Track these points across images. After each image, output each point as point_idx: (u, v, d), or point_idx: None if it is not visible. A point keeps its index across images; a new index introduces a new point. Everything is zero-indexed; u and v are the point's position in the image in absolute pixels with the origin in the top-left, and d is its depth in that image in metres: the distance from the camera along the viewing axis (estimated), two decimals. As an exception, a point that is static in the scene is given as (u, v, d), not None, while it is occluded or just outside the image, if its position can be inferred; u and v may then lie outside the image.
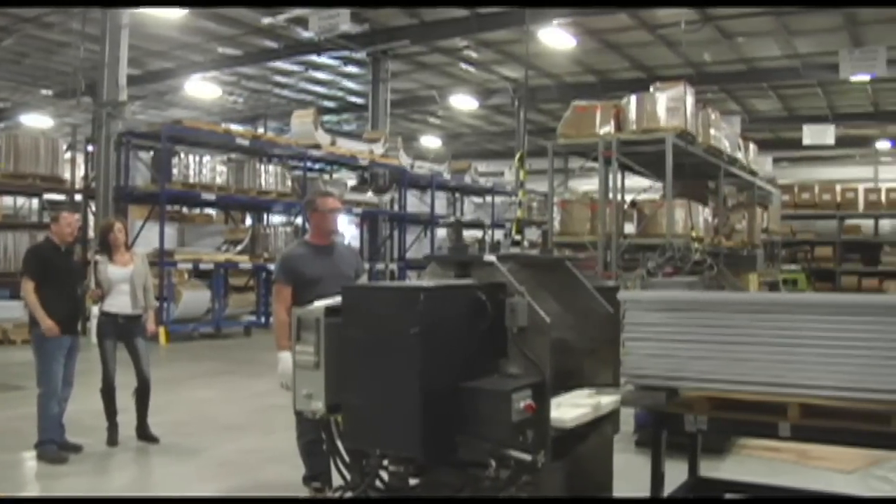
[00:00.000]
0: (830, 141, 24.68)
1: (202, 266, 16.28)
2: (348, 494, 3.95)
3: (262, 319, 17.72)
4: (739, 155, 15.85)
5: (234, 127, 20.79)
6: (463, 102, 25.48)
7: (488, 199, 26.87)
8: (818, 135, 24.64)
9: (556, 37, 18.03)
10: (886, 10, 17.29)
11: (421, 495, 3.82)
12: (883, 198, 25.65)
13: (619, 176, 13.14)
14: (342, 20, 16.41)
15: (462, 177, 24.93)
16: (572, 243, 13.12)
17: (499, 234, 23.24)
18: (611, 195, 12.73)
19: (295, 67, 23.74)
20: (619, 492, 4.75)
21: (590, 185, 15.65)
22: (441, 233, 23.58)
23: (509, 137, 29.52)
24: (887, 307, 3.70)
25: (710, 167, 14.19)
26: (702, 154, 13.17)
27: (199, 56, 22.25)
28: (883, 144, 30.51)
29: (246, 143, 17.53)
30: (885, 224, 26.32)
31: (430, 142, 32.94)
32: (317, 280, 5.39)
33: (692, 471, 5.22)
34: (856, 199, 26.09)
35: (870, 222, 26.55)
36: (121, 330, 7.48)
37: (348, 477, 3.95)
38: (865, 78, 19.81)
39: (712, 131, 13.59)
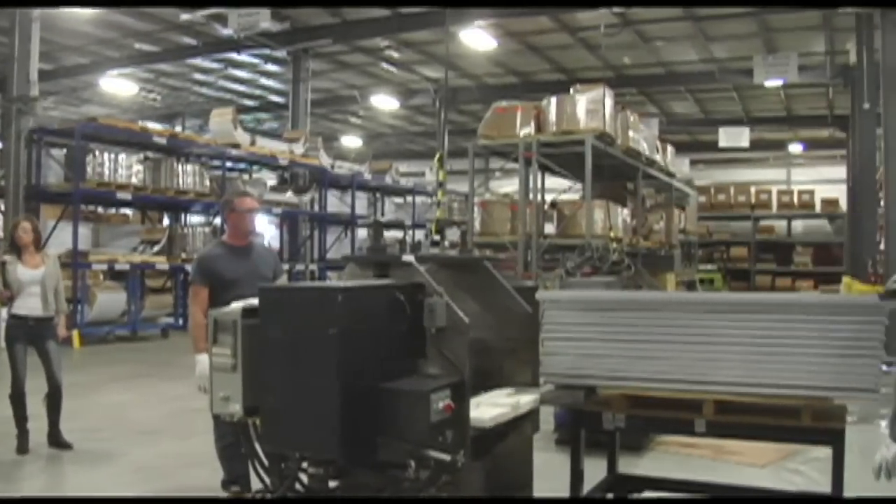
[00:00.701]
0: (745, 144, 25.29)
1: (118, 267, 15.92)
2: (268, 497, 3.91)
3: (180, 321, 17.42)
4: (657, 157, 16.12)
5: (152, 125, 20.42)
6: (384, 102, 25.43)
7: (409, 199, 26.85)
8: (733, 137, 25.22)
9: (477, 38, 18.12)
10: (798, 18, 17.85)
11: (341, 497, 3.79)
12: (795, 199, 26.40)
13: (539, 177, 13.24)
14: (262, 18, 16.24)
15: (383, 177, 24.87)
16: (493, 244, 13.18)
17: (420, 235, 23.25)
18: (531, 196, 12.83)
19: (214, 65, 23.37)
20: (539, 490, 4.78)
21: (510, 185, 15.76)
22: (362, 233, 23.50)
23: (430, 138, 29.56)
24: (793, 305, 3.80)
25: (629, 168, 14.40)
26: (621, 155, 13.36)
27: (114, 52, 21.71)
28: (795, 147, 31.42)
29: (163, 141, 17.21)
30: (798, 225, 27.07)
31: (351, 142, 32.78)
32: (234, 281, 5.32)
33: (611, 468, 5.29)
34: (769, 201, 26.79)
35: (783, 223, 27.30)
36: (31, 333, 7.27)
37: (267, 480, 3.91)
38: (778, 83, 20.37)
39: (631, 133, 13.79)
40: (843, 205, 24.35)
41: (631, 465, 6.25)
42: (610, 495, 5.16)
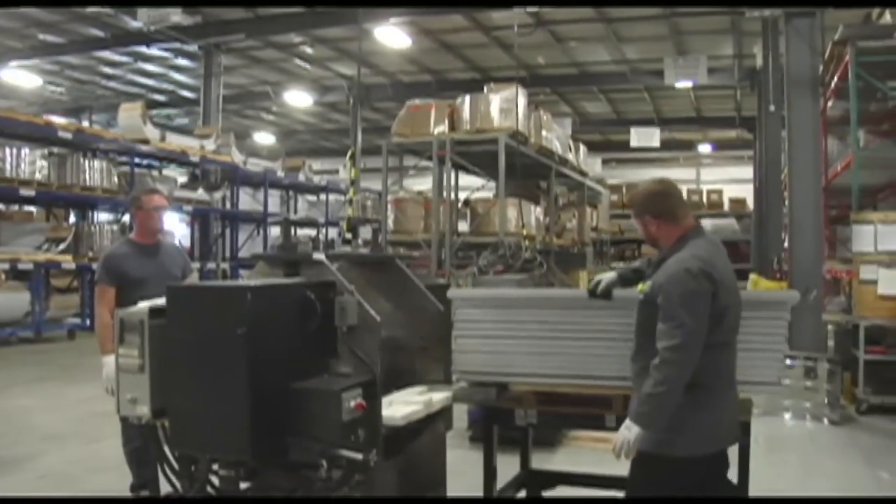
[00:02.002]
0: (656, 144, 25.79)
1: (20, 266, 15.38)
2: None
3: (87, 322, 16.93)
4: (570, 156, 16.34)
5: (57, 119, 19.79)
6: (298, 99, 25.21)
7: (323, 197, 26.66)
8: (645, 137, 25.68)
9: (391, 35, 18.10)
10: (707, 22, 18.31)
11: (252, 498, 3.75)
12: (704, 199, 27.05)
13: (452, 175, 13.30)
14: (173, 11, 15.92)
15: (296, 175, 24.61)
16: (406, 242, 13.19)
17: (333, 233, 23.14)
18: (444, 194, 12.88)
19: (123, 58, 22.79)
20: (452, 487, 4.81)
21: (424, 183, 15.78)
22: (275, 231, 23.21)
23: (344, 135, 29.41)
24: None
25: (542, 167, 14.56)
26: (534, 154, 13.50)
27: (16, 42, 20.94)
28: (704, 148, 32.23)
29: (69, 136, 16.70)
30: (707, 223, 27.49)
31: (264, 138, 32.42)
32: (142, 280, 5.22)
33: (524, 464, 5.35)
34: (679, 200, 27.35)
35: (692, 222, 27.90)
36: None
37: (177, 483, 3.84)
38: (688, 84, 20.82)
39: (544, 132, 13.95)
40: (751, 204, 24.99)
41: (544, 461, 6.32)
42: (523, 491, 5.22)
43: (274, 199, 24.45)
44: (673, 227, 3.73)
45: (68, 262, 16.37)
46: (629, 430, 3.51)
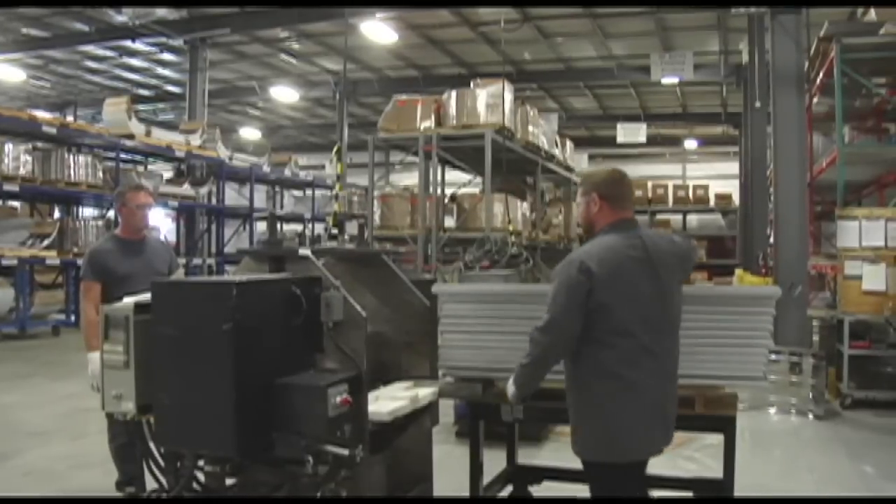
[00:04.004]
0: (642, 139, 25.86)
1: (5, 262, 15.29)
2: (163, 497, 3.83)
3: (72, 318, 16.84)
4: (556, 151, 16.37)
5: (41, 114, 19.63)
6: (284, 94, 25.10)
7: (309, 192, 26.61)
8: (631, 133, 25.74)
9: (378, 31, 18.05)
10: (694, 18, 18.36)
11: (238, 495, 3.74)
12: (690, 194, 27.07)
13: (439, 170, 13.30)
14: (158, 5, 15.83)
15: (282, 170, 24.52)
16: (393, 237, 13.19)
17: (319, 228, 23.09)
18: (431, 189, 12.88)
19: (108, 53, 22.66)
20: (439, 482, 4.82)
21: (410, 179, 15.77)
22: (261, 227, 23.18)
23: (331, 130, 29.35)
24: (686, 296, 3.89)
25: (529, 163, 14.59)
26: (520, 150, 13.52)
27: (0, 36, 20.87)
28: (690, 143, 32.28)
29: (53, 130, 16.59)
30: (693, 219, 27.75)
31: (250, 134, 32.28)
32: (127, 276, 5.20)
33: (510, 459, 5.36)
34: (666, 195, 27.42)
35: (678, 217, 28.00)
36: None
37: (163, 480, 3.82)
38: (674, 80, 20.83)
39: (530, 128, 13.96)
40: (736, 199, 25.07)
41: (530, 456, 6.33)
42: (509, 486, 5.23)
43: (260, 195, 24.41)
44: (611, 212, 3.73)
45: (53, 258, 16.28)
46: (508, 389, 3.91)
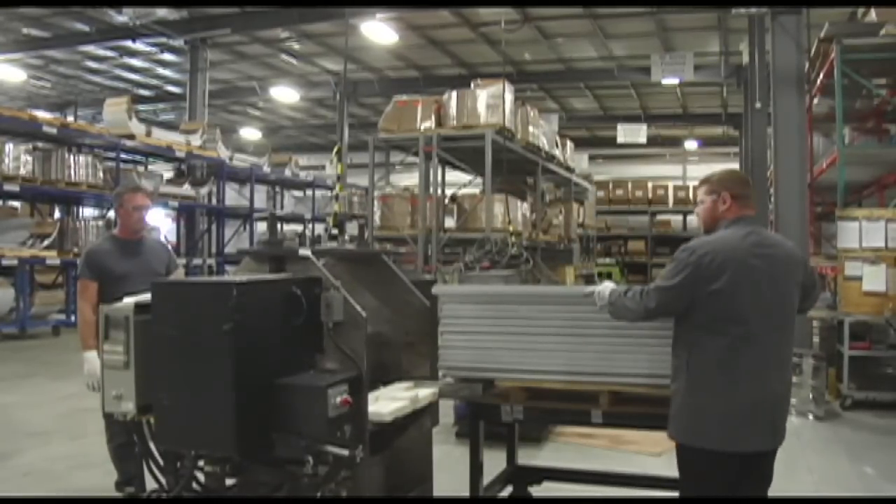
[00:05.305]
0: (643, 140, 25.82)
1: (5, 262, 15.28)
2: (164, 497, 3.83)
3: (72, 318, 16.80)
4: (557, 152, 16.37)
5: (41, 114, 19.62)
6: (284, 94, 25.08)
7: (309, 192, 26.59)
8: (631, 134, 25.71)
9: (378, 31, 18.04)
10: (694, 19, 18.35)
11: (237, 495, 3.74)
12: (691, 195, 27.05)
13: (439, 171, 13.30)
14: (159, 5, 15.82)
15: (282, 170, 24.51)
16: (393, 237, 13.19)
17: (320, 229, 23.06)
18: (431, 190, 12.88)
19: (108, 53, 22.65)
20: (439, 482, 4.81)
21: (411, 179, 15.75)
22: (261, 227, 23.14)
23: (331, 131, 29.30)
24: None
25: (529, 163, 14.58)
26: (520, 150, 13.52)
27: (0, 36, 20.86)
28: (691, 144, 32.26)
29: (54, 131, 16.58)
30: (693, 219, 27.63)
31: (250, 134, 32.27)
32: (124, 277, 5.19)
33: (510, 460, 5.36)
34: (666, 196, 27.46)
35: (679, 217, 28.05)
36: None
37: (163, 480, 3.82)
38: (675, 81, 20.83)
39: (531, 128, 13.96)
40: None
41: (530, 457, 6.33)
42: (509, 487, 5.23)
43: (260, 195, 24.39)
44: (737, 209, 3.80)
45: (53, 259, 16.28)
46: (600, 298, 3.95)
